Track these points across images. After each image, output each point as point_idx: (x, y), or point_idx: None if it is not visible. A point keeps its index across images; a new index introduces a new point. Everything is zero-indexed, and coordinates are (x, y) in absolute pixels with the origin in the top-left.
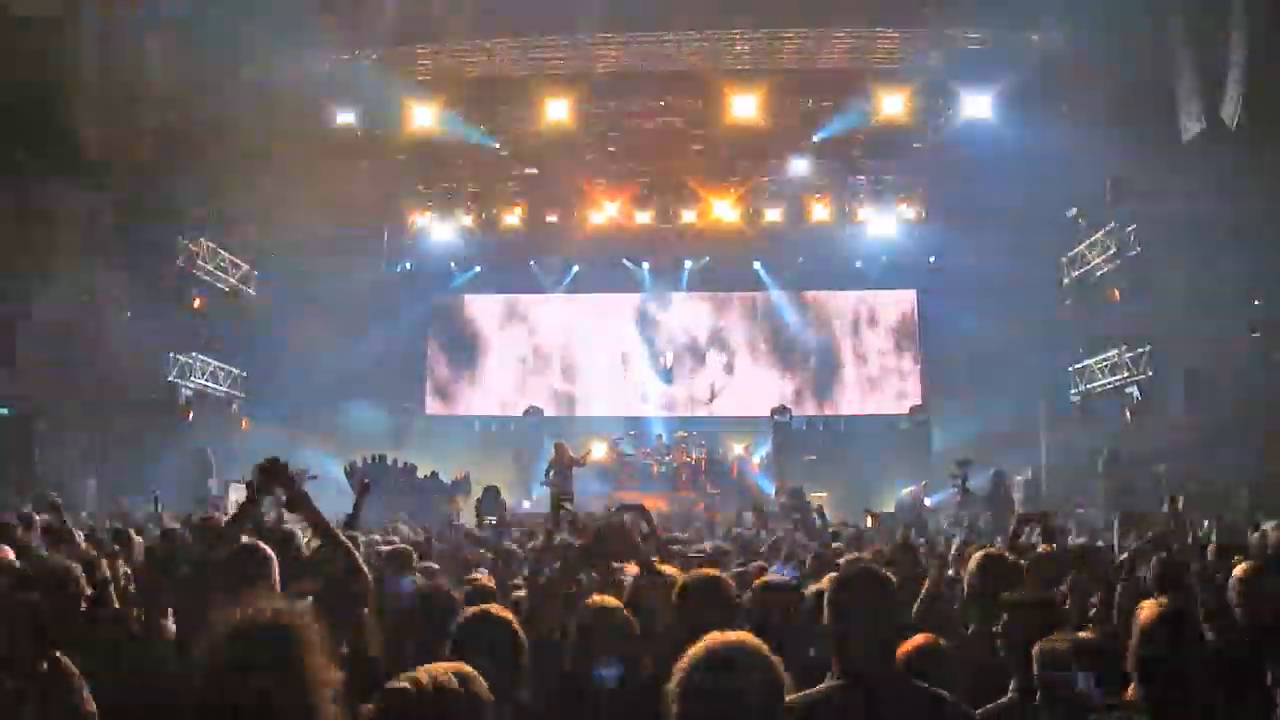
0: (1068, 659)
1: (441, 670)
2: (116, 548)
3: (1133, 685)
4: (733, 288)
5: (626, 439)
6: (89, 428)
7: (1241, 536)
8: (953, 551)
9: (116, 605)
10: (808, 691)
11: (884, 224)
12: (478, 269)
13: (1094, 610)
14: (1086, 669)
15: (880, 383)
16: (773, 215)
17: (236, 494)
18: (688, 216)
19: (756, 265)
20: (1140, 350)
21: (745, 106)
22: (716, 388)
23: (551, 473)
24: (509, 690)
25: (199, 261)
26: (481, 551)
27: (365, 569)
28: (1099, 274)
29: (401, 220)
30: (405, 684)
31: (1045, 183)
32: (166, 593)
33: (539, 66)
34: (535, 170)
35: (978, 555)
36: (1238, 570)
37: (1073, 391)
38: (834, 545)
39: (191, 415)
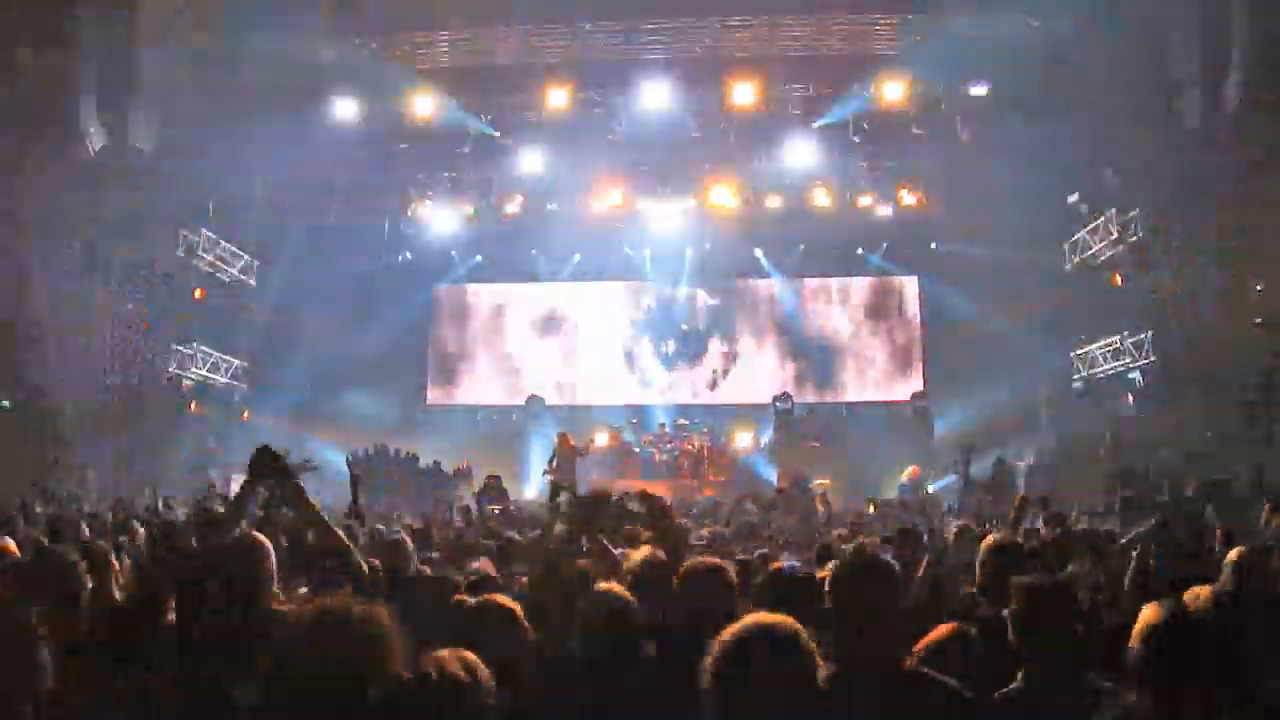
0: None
1: (448, 658)
2: (120, 538)
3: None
4: (734, 275)
5: (629, 427)
6: (91, 420)
7: (1244, 520)
8: (951, 536)
9: (118, 596)
10: None
11: (885, 210)
12: (479, 258)
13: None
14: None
15: (882, 369)
16: (773, 202)
17: (238, 485)
18: (689, 204)
19: (758, 252)
20: (1143, 335)
21: (745, 93)
22: (718, 375)
23: (555, 462)
24: (512, 679)
25: (199, 252)
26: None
27: (360, 562)
28: (1101, 259)
29: (402, 209)
30: (413, 673)
31: (1047, 168)
32: (165, 583)
33: (539, 54)
34: (536, 158)
35: (988, 541)
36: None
37: (1075, 377)
38: (836, 532)
39: (193, 407)
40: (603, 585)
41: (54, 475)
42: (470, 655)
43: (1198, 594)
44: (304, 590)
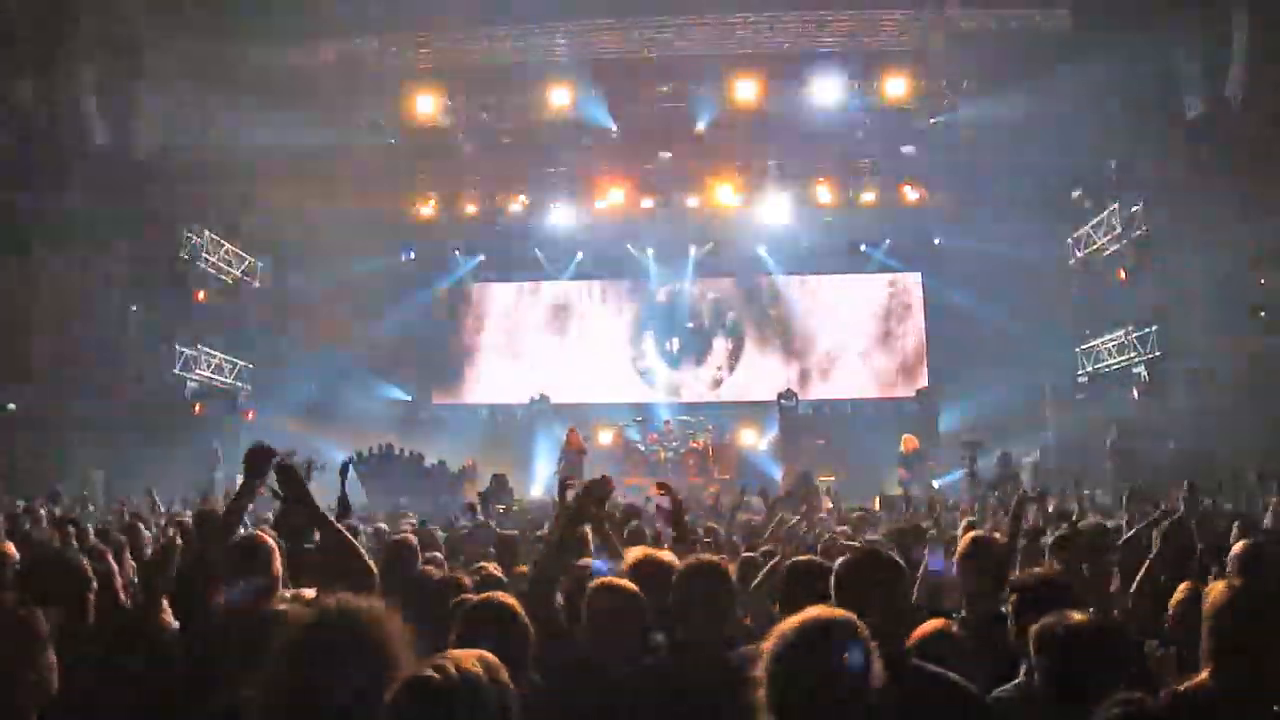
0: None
1: (466, 657)
2: (124, 538)
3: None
4: (737, 273)
5: (633, 425)
6: (96, 422)
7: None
8: (959, 532)
9: (122, 597)
10: None
11: (888, 207)
12: (482, 257)
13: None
14: (1086, 651)
15: (886, 366)
16: (776, 199)
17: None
18: (691, 202)
19: (761, 250)
20: (1147, 330)
21: (747, 90)
22: (723, 373)
23: (562, 460)
24: (515, 676)
25: (203, 253)
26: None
27: (366, 559)
28: (1105, 254)
29: (406, 208)
30: (429, 671)
31: (1050, 163)
32: (167, 584)
33: (541, 53)
34: (539, 157)
35: (966, 538)
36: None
37: (1080, 372)
38: (840, 528)
39: (197, 408)
40: (607, 579)
41: (59, 478)
42: (489, 655)
43: (1212, 588)
44: (310, 591)
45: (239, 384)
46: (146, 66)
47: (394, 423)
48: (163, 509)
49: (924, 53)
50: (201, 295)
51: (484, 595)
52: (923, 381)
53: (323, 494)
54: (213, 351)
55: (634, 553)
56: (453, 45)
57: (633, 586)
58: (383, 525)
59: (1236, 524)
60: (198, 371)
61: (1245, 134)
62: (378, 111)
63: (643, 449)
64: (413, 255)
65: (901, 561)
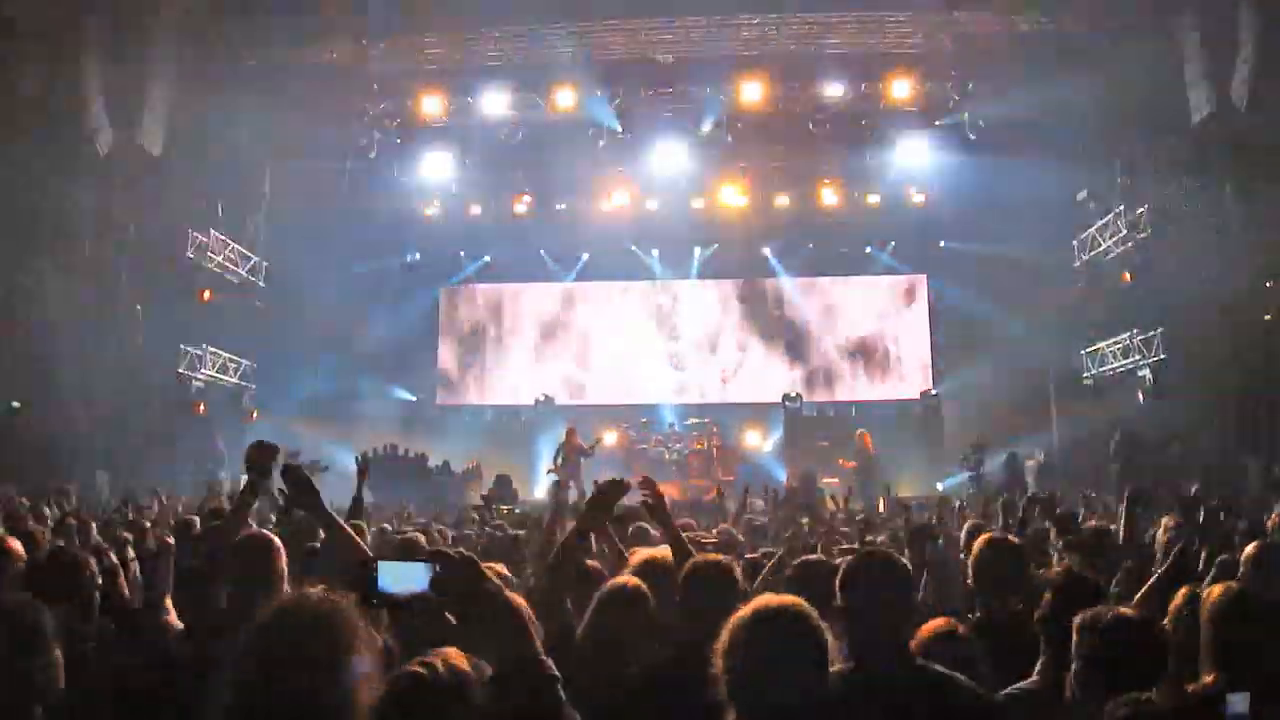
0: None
1: (455, 654)
2: (128, 536)
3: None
4: (743, 274)
5: (638, 427)
6: (101, 422)
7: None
8: (964, 534)
9: (126, 595)
10: None
11: (893, 209)
12: (487, 258)
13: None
14: (1134, 641)
15: (891, 367)
16: (781, 201)
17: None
18: (696, 203)
19: (766, 251)
20: (1152, 333)
21: (753, 92)
22: (727, 374)
23: (559, 458)
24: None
25: (208, 253)
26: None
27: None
28: (1110, 257)
29: (411, 208)
30: (419, 668)
31: (1055, 166)
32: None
33: (547, 54)
34: (544, 158)
35: (982, 539)
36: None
37: (1085, 375)
38: (844, 530)
39: (202, 408)
40: (618, 580)
41: (64, 477)
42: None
43: (1211, 591)
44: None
45: (244, 384)
46: (152, 67)
47: (398, 423)
48: (169, 508)
49: (930, 55)
50: (207, 295)
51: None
52: (927, 383)
53: (326, 494)
54: (218, 351)
55: (641, 554)
56: (457, 45)
57: (639, 590)
58: (387, 525)
59: (1241, 527)
60: (203, 371)
61: (1251, 137)
62: (383, 111)
63: (647, 451)
64: (418, 256)
65: (907, 562)
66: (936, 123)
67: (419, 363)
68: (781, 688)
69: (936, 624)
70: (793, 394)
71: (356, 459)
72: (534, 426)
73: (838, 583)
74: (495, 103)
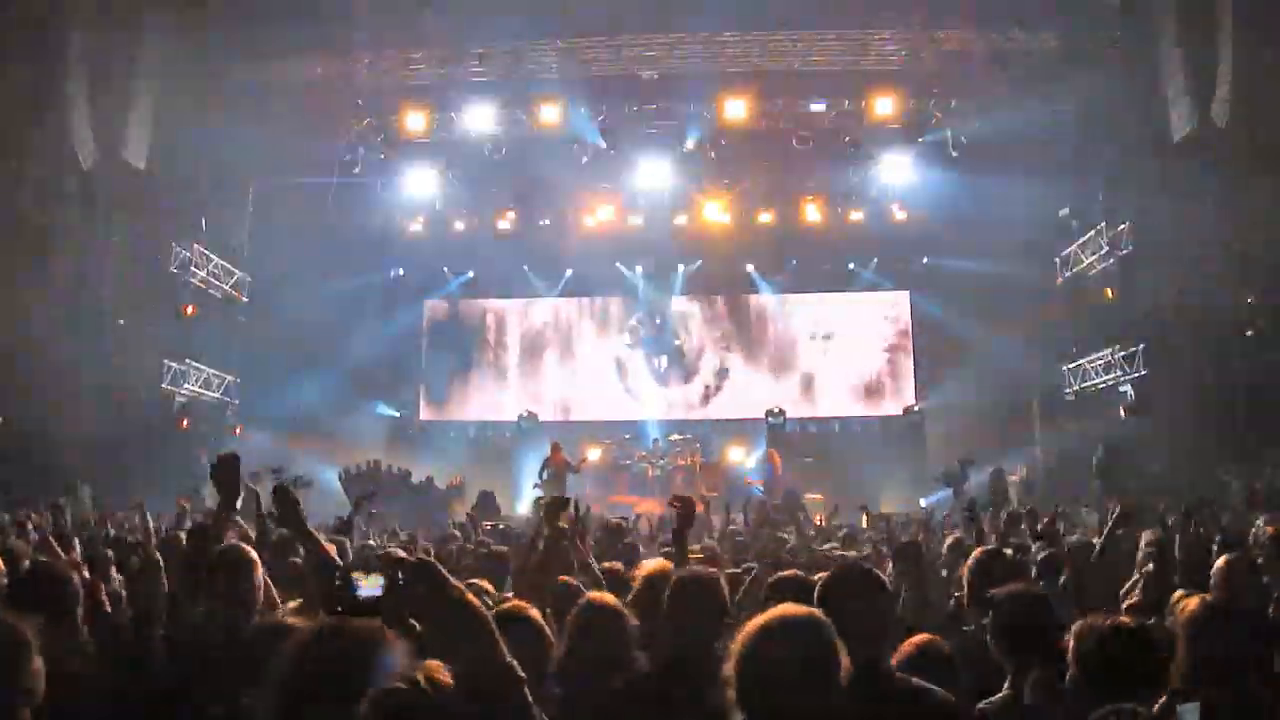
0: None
1: (437, 668)
2: (109, 552)
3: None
4: (726, 290)
5: (621, 443)
6: (83, 436)
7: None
8: (945, 550)
9: (108, 609)
10: None
11: (876, 225)
12: (471, 274)
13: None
14: (1129, 648)
15: (874, 384)
16: (765, 217)
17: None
18: (680, 219)
19: (749, 268)
20: (1134, 349)
21: (736, 108)
22: (711, 390)
23: (545, 473)
24: (537, 687)
25: (192, 268)
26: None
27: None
28: (1092, 273)
29: (395, 224)
30: (399, 683)
31: (1037, 182)
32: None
33: (532, 70)
34: (528, 174)
35: (976, 553)
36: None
37: (1067, 391)
38: (828, 545)
39: (185, 423)
40: (594, 595)
41: (46, 492)
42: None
43: (1186, 604)
44: (294, 604)
45: (227, 399)
46: (137, 82)
47: (382, 439)
48: (152, 525)
49: (912, 72)
50: (190, 309)
51: (510, 604)
52: (910, 399)
53: (309, 509)
54: (201, 366)
55: (649, 564)
56: (442, 61)
57: (617, 605)
58: (371, 542)
59: (1218, 541)
60: (186, 386)
61: (1231, 154)
62: (367, 128)
63: (630, 467)
64: (402, 271)
65: (884, 577)
66: (919, 140)
67: (403, 378)
68: (794, 696)
69: (920, 639)
70: (776, 410)
71: (339, 474)
72: (518, 443)
73: (816, 595)
74: (480, 118)
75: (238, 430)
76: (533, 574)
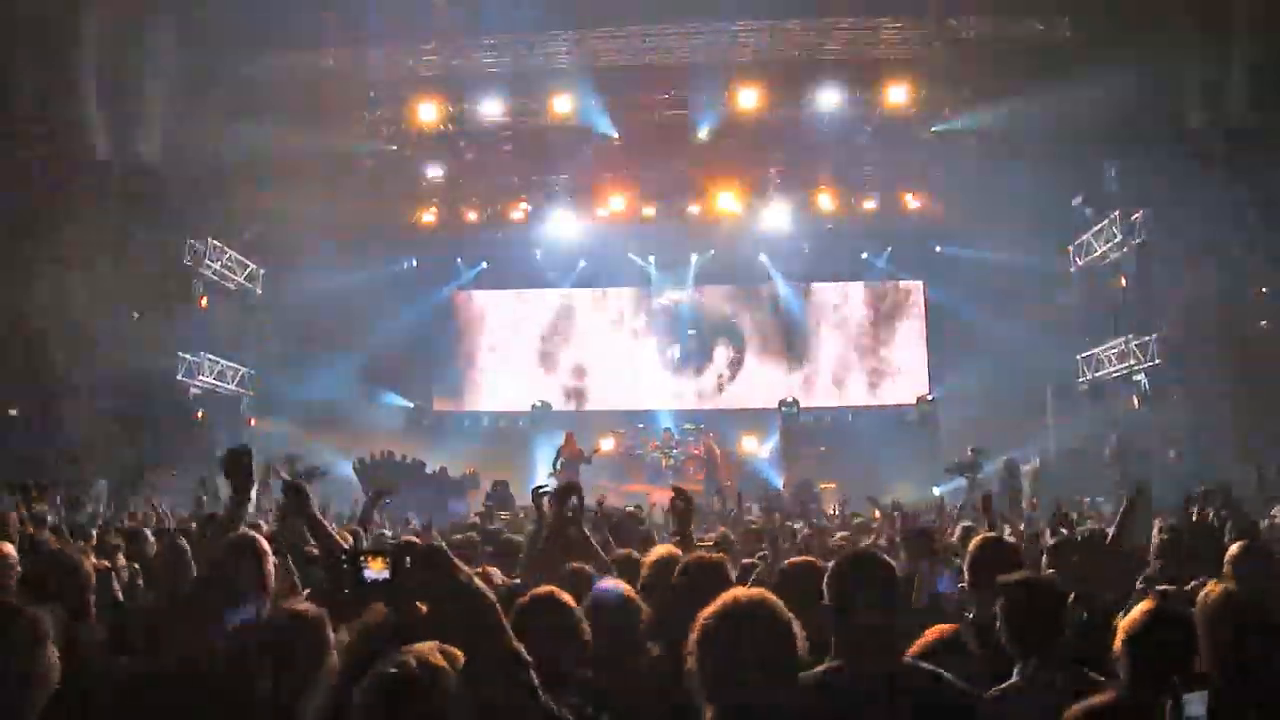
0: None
1: (429, 650)
2: (119, 543)
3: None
4: (739, 280)
5: (635, 432)
6: (98, 430)
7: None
8: (956, 538)
9: (120, 599)
10: (805, 673)
11: (889, 214)
12: (484, 264)
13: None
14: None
15: (887, 373)
16: (778, 207)
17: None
18: (693, 210)
19: (763, 257)
20: (1148, 338)
21: (749, 98)
22: (724, 380)
23: (560, 463)
24: (572, 672)
25: (206, 260)
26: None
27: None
28: (1106, 262)
29: (407, 216)
30: (392, 667)
31: (1051, 171)
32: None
33: (544, 60)
34: (541, 164)
35: (975, 540)
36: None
37: (1080, 380)
38: (840, 534)
39: (200, 415)
40: (607, 581)
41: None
42: (450, 648)
43: (1210, 591)
44: (304, 594)
45: (241, 391)
46: (148, 76)
47: (396, 430)
48: (168, 519)
49: (925, 61)
50: (204, 302)
51: (543, 590)
52: (923, 389)
53: (324, 499)
54: (215, 358)
55: (658, 550)
56: (454, 52)
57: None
58: (385, 531)
59: (1232, 531)
60: (200, 378)
61: (1246, 143)
62: (379, 119)
63: (644, 456)
64: (414, 263)
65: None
66: (933, 129)
67: (416, 369)
68: (750, 683)
69: (941, 629)
70: (789, 400)
71: (354, 464)
72: (531, 433)
73: (825, 582)
74: (492, 109)
75: (253, 422)
76: (540, 559)
